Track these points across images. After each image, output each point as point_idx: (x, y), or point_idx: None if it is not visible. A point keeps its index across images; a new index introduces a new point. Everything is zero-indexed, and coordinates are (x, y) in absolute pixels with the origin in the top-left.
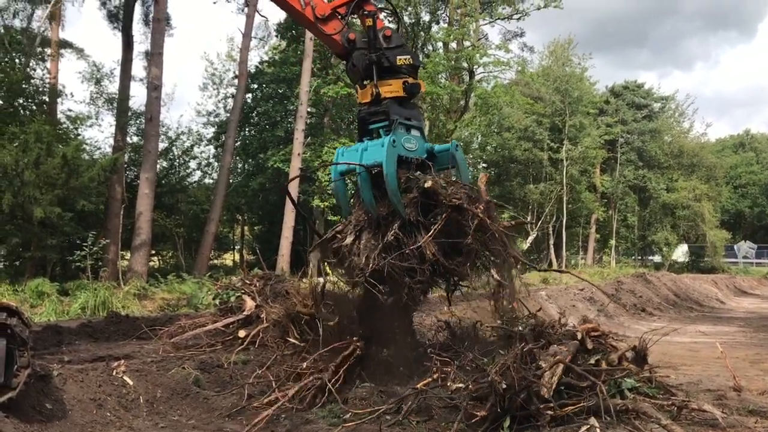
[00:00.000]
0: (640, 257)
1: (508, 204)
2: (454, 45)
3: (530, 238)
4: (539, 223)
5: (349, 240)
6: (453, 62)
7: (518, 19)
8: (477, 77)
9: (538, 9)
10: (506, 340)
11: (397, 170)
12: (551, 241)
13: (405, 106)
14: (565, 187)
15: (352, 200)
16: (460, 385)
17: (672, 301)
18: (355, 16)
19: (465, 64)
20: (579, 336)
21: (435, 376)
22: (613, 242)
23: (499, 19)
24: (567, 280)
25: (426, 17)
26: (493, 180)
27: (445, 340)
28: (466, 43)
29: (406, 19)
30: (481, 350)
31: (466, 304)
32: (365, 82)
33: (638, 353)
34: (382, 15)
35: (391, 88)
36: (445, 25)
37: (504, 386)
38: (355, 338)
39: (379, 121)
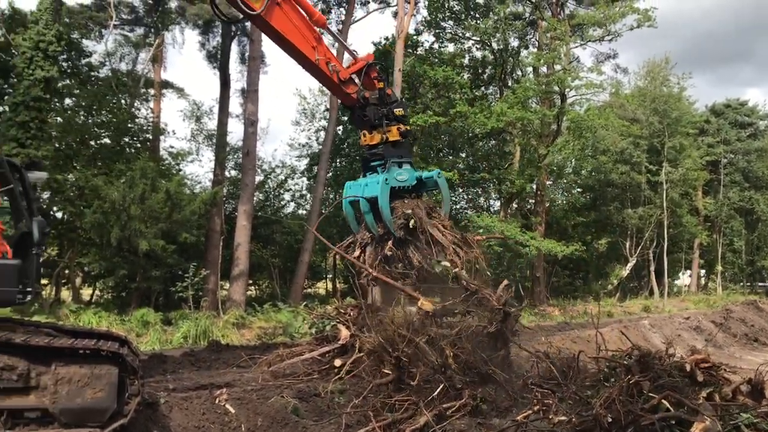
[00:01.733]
0: (749, 284)
1: (605, 229)
2: (544, 69)
3: (629, 265)
4: (639, 249)
5: (356, 253)
6: (544, 86)
7: (610, 40)
8: (569, 101)
9: (631, 29)
10: (610, 372)
11: (389, 201)
12: (652, 268)
13: (398, 147)
14: (665, 211)
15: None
16: (563, 418)
17: None
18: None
19: (556, 88)
20: (688, 368)
21: (535, 408)
22: (719, 268)
23: (590, 41)
24: (670, 308)
25: (514, 43)
26: (589, 205)
27: (545, 372)
28: (557, 67)
29: (494, 45)
30: (583, 382)
31: (565, 334)
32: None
33: (754, 386)
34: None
35: (392, 134)
36: (535, 50)
37: (609, 420)
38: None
39: (378, 160)
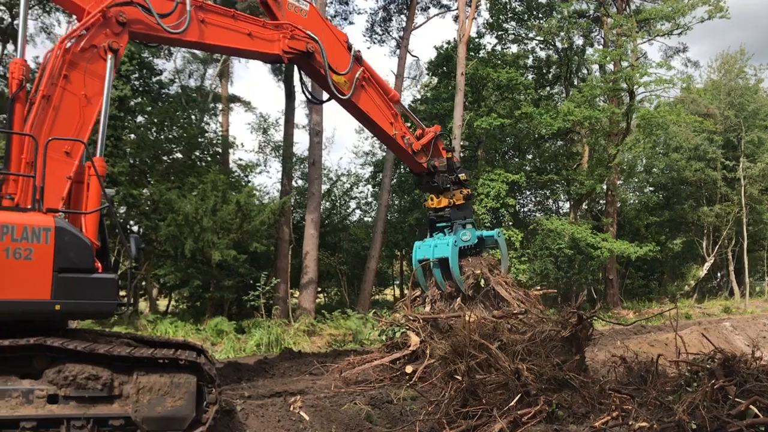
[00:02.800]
0: None
1: (680, 228)
2: (611, 66)
3: (707, 265)
4: (716, 248)
5: (427, 308)
6: (611, 84)
7: (679, 34)
8: (638, 98)
9: (702, 21)
10: (692, 376)
11: (459, 260)
12: (731, 267)
13: (462, 209)
14: (743, 208)
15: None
16: (643, 424)
17: None
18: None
19: (624, 85)
20: None
21: (614, 414)
22: None
23: (658, 36)
24: (752, 309)
25: (579, 41)
26: (662, 204)
27: (622, 376)
28: (624, 64)
29: (558, 44)
30: (663, 387)
31: (641, 337)
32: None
33: None
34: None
35: (457, 198)
36: (600, 47)
37: (694, 426)
38: (524, 374)
39: (444, 222)
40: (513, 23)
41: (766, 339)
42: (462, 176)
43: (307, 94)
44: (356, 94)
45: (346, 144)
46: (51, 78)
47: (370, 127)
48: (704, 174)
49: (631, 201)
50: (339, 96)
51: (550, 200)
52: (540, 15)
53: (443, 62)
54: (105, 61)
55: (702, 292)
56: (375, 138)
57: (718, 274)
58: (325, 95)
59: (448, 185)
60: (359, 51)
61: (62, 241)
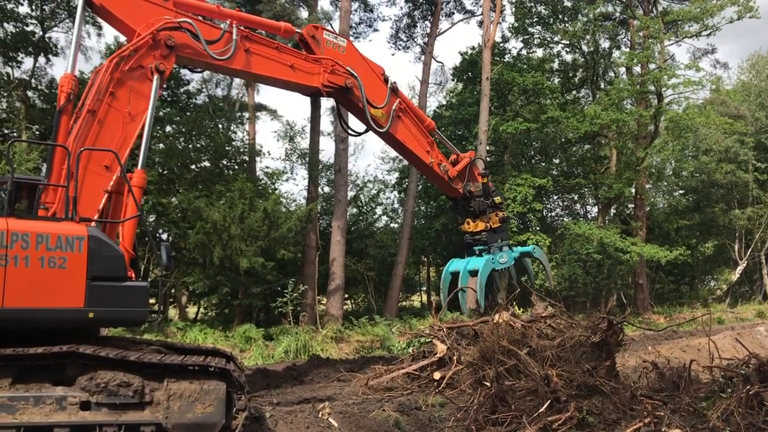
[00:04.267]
0: None
1: (711, 232)
2: (638, 69)
3: (739, 268)
4: (749, 252)
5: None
6: (638, 86)
7: (708, 35)
8: (666, 100)
9: (731, 22)
10: (726, 382)
11: (488, 276)
12: (764, 271)
13: (498, 232)
14: None
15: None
16: (677, 430)
17: None
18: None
19: (652, 88)
20: None
21: (647, 421)
22: None
23: (686, 37)
24: None
25: (605, 44)
26: (693, 207)
27: (654, 382)
28: (652, 66)
29: (584, 47)
30: (696, 393)
31: (673, 342)
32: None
33: None
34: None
35: (493, 221)
36: (627, 50)
37: None
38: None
39: (481, 246)
40: (538, 27)
41: None
42: (497, 199)
43: (345, 126)
44: (393, 125)
45: (374, 150)
46: (98, 94)
47: (407, 156)
48: (735, 176)
49: (661, 204)
50: (378, 130)
51: (578, 204)
52: (565, 18)
53: (468, 67)
54: (151, 82)
55: (735, 296)
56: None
57: (752, 278)
58: (363, 126)
59: (485, 209)
60: (395, 82)
61: (95, 249)
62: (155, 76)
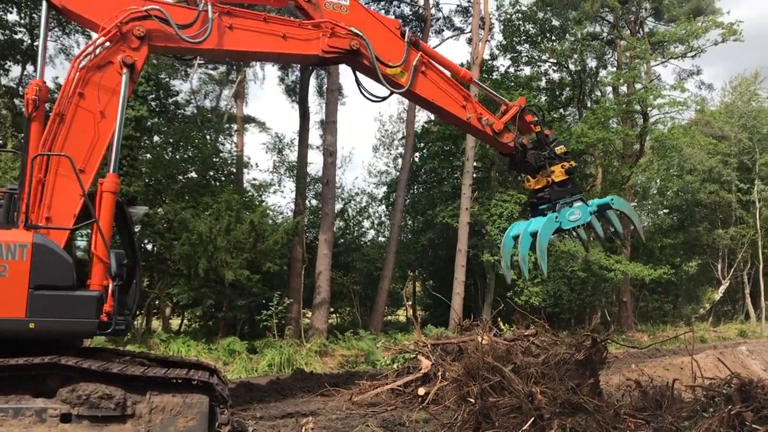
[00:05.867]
0: None
1: (695, 251)
2: (624, 88)
3: (722, 288)
4: (732, 271)
5: None
6: (624, 106)
7: (693, 56)
8: (652, 119)
9: (715, 44)
10: (708, 401)
11: (549, 237)
12: (747, 290)
13: (565, 185)
14: (759, 231)
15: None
16: None
17: None
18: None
19: (638, 107)
20: None
21: None
22: None
23: (672, 58)
24: None
25: (592, 63)
26: (677, 226)
27: (637, 401)
28: (638, 86)
29: (571, 66)
30: (679, 412)
31: (656, 361)
32: (536, 174)
33: None
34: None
35: (556, 174)
36: (614, 69)
37: None
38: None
39: (545, 204)
40: (526, 45)
41: None
42: (559, 149)
43: (365, 93)
44: (415, 82)
45: (365, 161)
46: (65, 95)
47: (439, 113)
48: (719, 196)
49: (645, 223)
50: (395, 90)
51: None
52: (553, 37)
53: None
54: (121, 76)
55: (717, 315)
56: (443, 120)
57: (735, 298)
58: (385, 90)
59: (543, 162)
60: (414, 35)
61: (39, 258)
62: (125, 71)
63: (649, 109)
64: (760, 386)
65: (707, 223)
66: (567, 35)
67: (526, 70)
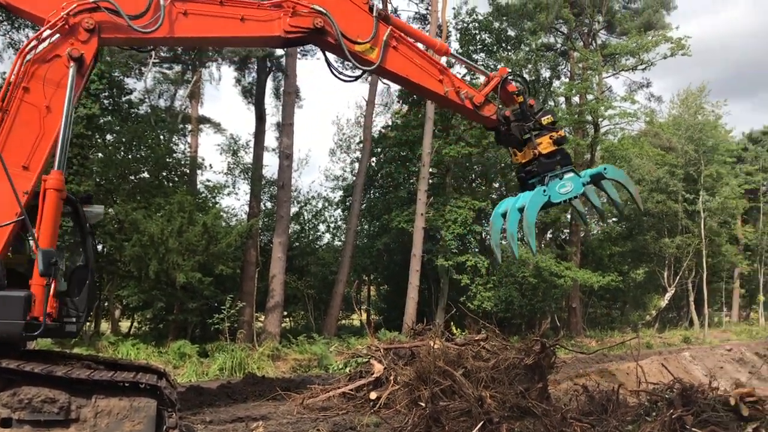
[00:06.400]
0: None
1: (642, 259)
2: (576, 99)
3: (668, 295)
4: (677, 279)
5: None
6: (576, 116)
7: (643, 69)
8: (603, 130)
9: (665, 58)
10: (651, 406)
11: (537, 211)
12: (691, 298)
13: (554, 157)
14: (703, 240)
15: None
16: None
17: None
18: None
19: (589, 118)
20: (733, 402)
21: None
22: (761, 298)
23: (623, 70)
24: (711, 340)
25: (546, 73)
26: (625, 234)
27: (584, 405)
28: (590, 96)
29: (526, 76)
30: (623, 416)
31: (603, 366)
32: (522, 147)
33: None
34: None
35: (544, 146)
36: (567, 80)
37: None
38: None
39: (534, 177)
40: (482, 54)
41: (723, 369)
42: (545, 120)
43: (336, 73)
44: (386, 58)
45: (323, 164)
46: (10, 90)
47: (415, 90)
48: (666, 206)
49: (595, 231)
50: (365, 67)
51: None
52: (508, 47)
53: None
54: (68, 70)
55: (663, 322)
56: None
57: (680, 305)
58: (357, 69)
59: (528, 134)
60: (384, 9)
61: None
62: (72, 64)
63: (600, 119)
64: (701, 391)
65: (654, 232)
66: (522, 45)
67: (482, 79)
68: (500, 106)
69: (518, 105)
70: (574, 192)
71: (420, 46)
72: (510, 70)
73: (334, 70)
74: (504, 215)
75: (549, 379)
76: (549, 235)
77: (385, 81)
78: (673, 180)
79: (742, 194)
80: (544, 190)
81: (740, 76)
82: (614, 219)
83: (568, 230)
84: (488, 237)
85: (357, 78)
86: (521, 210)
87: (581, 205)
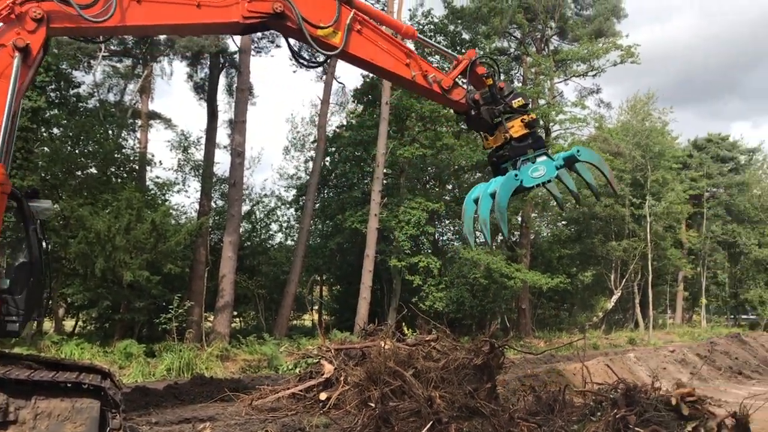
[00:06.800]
0: (732, 316)
1: (590, 261)
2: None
3: (614, 297)
4: (623, 282)
5: None
6: None
7: (594, 75)
8: (553, 134)
9: (615, 65)
10: (597, 406)
11: (508, 196)
12: (637, 300)
13: (527, 140)
14: (649, 244)
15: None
16: None
17: None
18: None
19: (541, 122)
20: (674, 401)
21: None
22: (703, 300)
23: (574, 76)
24: (655, 341)
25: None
26: (574, 237)
27: (531, 405)
28: (541, 101)
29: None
30: (569, 416)
31: (550, 366)
32: (493, 131)
33: (739, 420)
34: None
35: (515, 129)
36: (519, 84)
37: None
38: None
39: (506, 162)
40: (437, 56)
41: (666, 370)
42: (516, 102)
43: (299, 59)
44: (349, 42)
45: (276, 163)
46: None
47: (381, 74)
48: (613, 210)
49: (545, 234)
50: (328, 52)
51: None
52: (462, 51)
53: (369, 90)
54: (13, 60)
55: (609, 323)
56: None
57: (626, 307)
58: (322, 55)
59: (499, 117)
60: None
61: None
62: (17, 54)
63: (551, 124)
64: (644, 391)
65: (602, 236)
66: (476, 49)
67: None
68: (469, 89)
69: (488, 88)
70: (547, 176)
71: (385, 29)
72: (481, 53)
73: (297, 57)
74: (476, 201)
75: (498, 379)
76: (500, 237)
77: (357, 68)
78: (620, 185)
79: (687, 199)
80: (516, 175)
81: (686, 85)
82: (563, 222)
83: (518, 233)
84: (461, 223)
85: (321, 64)
86: (493, 195)
87: (557, 189)
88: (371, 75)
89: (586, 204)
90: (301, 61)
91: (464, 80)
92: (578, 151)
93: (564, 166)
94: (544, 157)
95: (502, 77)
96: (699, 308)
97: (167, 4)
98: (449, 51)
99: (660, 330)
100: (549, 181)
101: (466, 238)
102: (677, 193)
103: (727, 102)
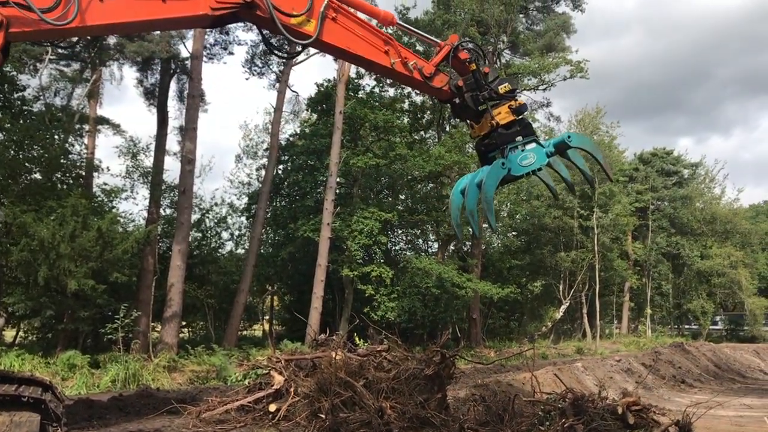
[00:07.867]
0: (676, 326)
1: (539, 272)
2: None
3: (563, 307)
4: (572, 292)
5: None
6: None
7: (544, 89)
8: None
9: (564, 79)
10: (545, 415)
11: (495, 185)
12: (584, 310)
13: (514, 127)
14: (596, 255)
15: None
16: None
17: (713, 372)
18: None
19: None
20: (620, 410)
21: None
22: (648, 311)
23: (525, 90)
24: (602, 350)
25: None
26: (524, 248)
27: (481, 415)
28: None
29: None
30: (519, 426)
31: (500, 376)
32: (479, 118)
33: (682, 428)
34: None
35: (502, 116)
36: None
37: None
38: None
39: (494, 150)
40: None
41: (612, 379)
42: (502, 88)
43: (273, 50)
44: (323, 30)
45: (225, 171)
46: None
47: (359, 63)
48: (562, 221)
49: (495, 244)
50: (302, 41)
51: (420, 240)
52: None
53: (323, 100)
54: None
55: (558, 333)
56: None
57: (574, 317)
58: (298, 46)
59: (484, 104)
60: None
61: None
62: None
63: None
64: (591, 400)
65: (551, 246)
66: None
67: (391, 92)
68: (452, 75)
69: (471, 73)
70: (537, 163)
71: (362, 16)
72: (465, 38)
73: (270, 48)
74: (463, 192)
75: (448, 390)
76: (452, 247)
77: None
78: (569, 196)
79: (633, 212)
80: (503, 163)
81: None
82: (513, 233)
83: (470, 243)
84: (448, 215)
85: (296, 54)
86: (480, 185)
87: (550, 178)
88: (326, 85)
89: (536, 215)
90: (276, 52)
91: (448, 68)
92: (569, 137)
93: (555, 153)
94: (534, 144)
95: (487, 62)
96: (644, 318)
97: (131, 2)
98: (431, 37)
99: (607, 339)
100: (539, 169)
101: (455, 230)
102: (623, 205)
103: (672, 118)
